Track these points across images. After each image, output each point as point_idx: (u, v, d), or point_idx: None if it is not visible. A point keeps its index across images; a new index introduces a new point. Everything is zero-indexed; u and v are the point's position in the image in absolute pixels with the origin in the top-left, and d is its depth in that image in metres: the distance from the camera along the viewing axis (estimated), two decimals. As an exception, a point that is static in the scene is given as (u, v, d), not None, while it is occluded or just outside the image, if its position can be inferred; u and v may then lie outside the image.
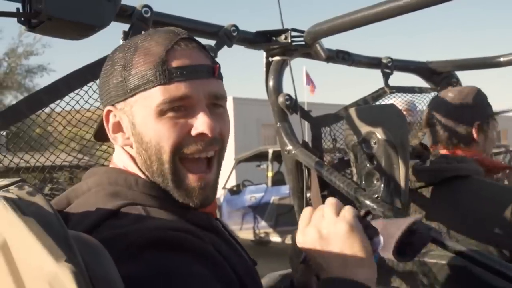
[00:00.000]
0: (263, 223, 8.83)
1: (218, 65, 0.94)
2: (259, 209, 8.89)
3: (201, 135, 0.91)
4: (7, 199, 0.64)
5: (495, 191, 1.71)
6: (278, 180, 9.52)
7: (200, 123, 0.90)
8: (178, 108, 0.90)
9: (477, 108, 1.83)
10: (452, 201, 1.71)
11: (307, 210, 0.96)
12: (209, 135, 0.91)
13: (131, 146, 0.95)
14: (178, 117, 0.90)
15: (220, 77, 0.96)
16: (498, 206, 1.64)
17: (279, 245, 8.86)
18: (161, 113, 0.89)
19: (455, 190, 1.73)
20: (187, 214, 0.92)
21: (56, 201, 0.95)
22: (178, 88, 0.89)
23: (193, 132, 0.90)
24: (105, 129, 0.98)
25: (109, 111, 0.96)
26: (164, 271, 0.77)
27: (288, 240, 8.43)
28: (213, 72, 0.93)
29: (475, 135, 1.81)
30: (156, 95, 0.89)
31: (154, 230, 0.81)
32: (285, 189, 8.67)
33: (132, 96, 0.91)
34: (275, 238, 8.72)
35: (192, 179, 0.92)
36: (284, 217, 8.39)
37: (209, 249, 0.85)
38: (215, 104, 0.94)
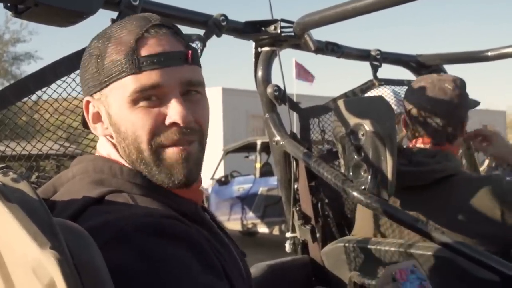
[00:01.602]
0: (251, 214, 8.84)
1: (191, 51, 0.92)
2: (247, 200, 8.90)
3: (173, 124, 0.89)
4: (-9, 186, 0.63)
5: (481, 184, 1.71)
6: (266, 171, 9.52)
7: (173, 112, 0.89)
8: (150, 97, 0.89)
9: (465, 107, 1.80)
10: (443, 200, 1.70)
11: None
12: (181, 124, 0.89)
13: (111, 136, 0.95)
14: (151, 106, 0.89)
15: (195, 62, 0.94)
16: (486, 199, 1.64)
17: (266, 236, 8.89)
18: (134, 102, 0.89)
19: (444, 189, 1.70)
20: (174, 202, 0.91)
21: (43, 189, 0.95)
22: (149, 77, 0.88)
23: (167, 122, 0.89)
24: None
25: (88, 102, 0.96)
26: (153, 259, 0.76)
27: (275, 231, 8.46)
28: (186, 58, 0.91)
29: (460, 133, 1.80)
30: (128, 84, 0.88)
31: (142, 216, 0.81)
32: (273, 180, 8.68)
33: (106, 86, 0.91)
34: (262, 229, 8.73)
35: (172, 152, 0.90)
36: (272, 208, 8.40)
37: (197, 237, 0.85)
38: (189, 91, 0.92)
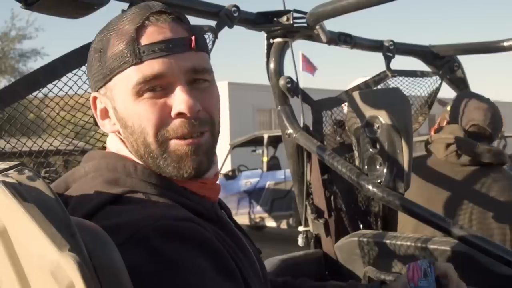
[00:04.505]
0: (258, 208, 8.82)
1: (196, 36, 0.87)
2: (254, 194, 8.88)
3: (180, 114, 0.85)
4: (6, 184, 0.60)
5: None
6: (273, 165, 9.50)
7: (178, 102, 0.85)
8: (155, 88, 0.85)
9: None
10: (488, 184, 1.87)
11: None
12: (188, 114, 0.85)
13: (119, 132, 0.91)
14: (156, 97, 0.85)
15: (200, 48, 0.89)
16: None
17: (274, 230, 8.87)
18: (138, 94, 0.85)
19: (492, 175, 1.92)
20: (190, 201, 0.88)
21: (54, 185, 0.92)
22: (150, 67, 0.84)
23: (173, 113, 0.85)
24: None
25: (94, 98, 0.93)
26: (167, 262, 0.74)
27: (283, 225, 8.44)
28: (190, 44, 0.87)
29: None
30: (131, 76, 0.85)
31: (158, 219, 0.77)
32: (280, 174, 8.66)
33: (110, 79, 0.88)
34: (270, 223, 8.72)
35: (180, 144, 0.86)
36: (279, 202, 8.39)
37: (213, 240, 0.81)
38: (196, 80, 0.88)
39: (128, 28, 0.86)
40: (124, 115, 0.88)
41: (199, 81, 0.88)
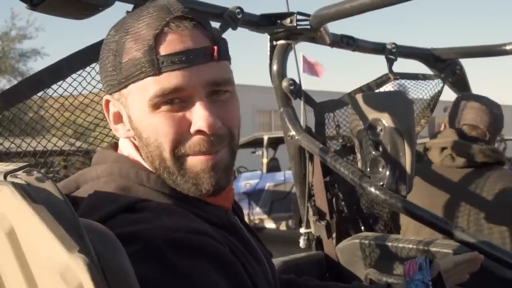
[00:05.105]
0: (257, 210, 8.81)
1: (218, 45, 0.83)
2: (253, 196, 8.87)
3: (199, 132, 0.82)
4: (15, 185, 0.60)
5: None
6: (273, 166, 9.49)
7: (198, 118, 0.81)
8: (173, 100, 0.81)
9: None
10: (483, 185, 1.83)
11: None
12: (208, 132, 0.81)
13: (134, 138, 0.88)
14: (174, 110, 0.81)
15: (222, 57, 0.84)
16: None
17: (273, 232, 8.86)
18: (155, 106, 0.81)
19: (488, 175, 1.88)
20: (203, 211, 0.86)
21: (64, 183, 0.90)
22: (169, 79, 0.79)
23: (192, 129, 0.82)
24: None
25: (107, 101, 0.89)
26: (178, 274, 0.72)
27: (282, 227, 8.44)
28: (211, 54, 0.82)
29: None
30: (148, 87, 0.80)
31: (173, 231, 0.75)
32: (280, 176, 8.65)
33: (125, 87, 0.83)
34: (269, 224, 8.71)
35: (198, 161, 0.83)
36: (279, 204, 8.38)
37: (227, 253, 0.80)
38: (217, 91, 0.84)
39: (145, 33, 0.81)
40: (139, 126, 0.84)
41: (220, 92, 0.85)
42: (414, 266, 1.12)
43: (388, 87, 2.21)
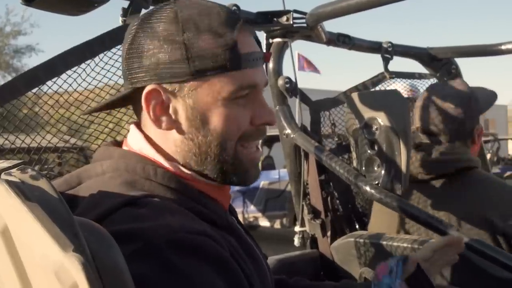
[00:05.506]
0: (252, 208, 8.82)
1: (266, 52, 0.94)
2: (248, 194, 8.87)
3: (263, 124, 0.91)
4: (9, 183, 0.60)
5: (500, 183, 1.71)
6: (267, 164, 9.50)
7: (267, 113, 0.90)
8: (244, 96, 0.88)
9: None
10: (461, 192, 1.68)
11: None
12: (271, 124, 0.92)
13: (175, 130, 0.88)
14: (244, 104, 0.88)
15: None
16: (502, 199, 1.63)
17: (268, 230, 8.87)
18: (230, 100, 0.86)
19: (464, 181, 1.68)
20: (206, 209, 0.87)
21: (65, 179, 0.90)
22: (248, 76, 0.87)
23: (258, 121, 0.90)
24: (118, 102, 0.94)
25: (154, 90, 0.86)
26: (177, 275, 0.72)
27: (277, 225, 8.44)
28: (265, 58, 0.92)
29: (476, 139, 1.78)
30: (227, 81, 0.86)
31: (172, 231, 0.75)
32: (275, 174, 8.66)
33: (195, 79, 0.85)
34: (264, 222, 8.71)
35: (250, 153, 0.91)
36: (273, 202, 8.38)
37: (226, 255, 0.80)
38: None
39: (222, 29, 0.85)
40: (205, 117, 0.86)
41: None
42: (384, 270, 1.13)
43: (399, 88, 2.21)
